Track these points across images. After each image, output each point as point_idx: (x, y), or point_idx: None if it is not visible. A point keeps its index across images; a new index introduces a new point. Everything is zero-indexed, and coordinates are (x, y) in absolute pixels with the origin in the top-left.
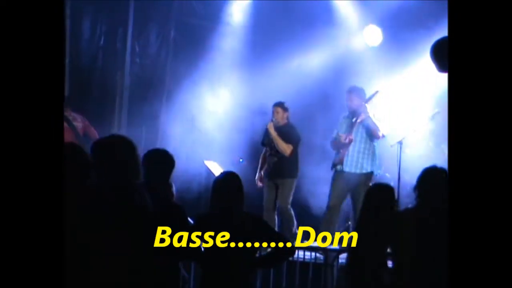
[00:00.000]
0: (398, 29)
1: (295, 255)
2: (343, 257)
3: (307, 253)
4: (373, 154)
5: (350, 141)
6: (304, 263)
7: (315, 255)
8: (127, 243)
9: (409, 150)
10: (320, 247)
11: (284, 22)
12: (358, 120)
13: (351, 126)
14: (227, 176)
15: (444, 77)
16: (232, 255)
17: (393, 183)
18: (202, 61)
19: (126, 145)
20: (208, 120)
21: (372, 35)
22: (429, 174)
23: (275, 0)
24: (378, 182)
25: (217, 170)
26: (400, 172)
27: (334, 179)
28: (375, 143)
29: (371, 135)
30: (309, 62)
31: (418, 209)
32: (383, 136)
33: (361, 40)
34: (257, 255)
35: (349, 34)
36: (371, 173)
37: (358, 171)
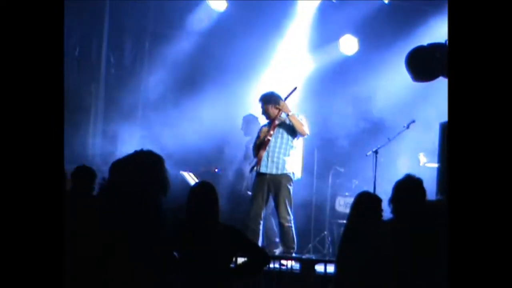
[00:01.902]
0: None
1: (271, 265)
2: (318, 266)
3: (284, 263)
4: (294, 156)
5: (268, 140)
6: (280, 273)
7: (291, 265)
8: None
9: (384, 159)
10: (296, 257)
11: (260, 32)
12: (278, 118)
13: (269, 126)
14: (203, 187)
15: (419, 85)
16: (207, 265)
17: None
18: (177, 71)
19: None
20: (184, 129)
21: (348, 45)
22: (404, 185)
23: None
24: (367, 191)
25: (192, 180)
26: (376, 181)
27: (254, 184)
28: (296, 144)
29: (296, 131)
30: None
31: (395, 223)
32: (308, 134)
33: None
34: (232, 265)
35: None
36: (292, 174)
37: (276, 172)
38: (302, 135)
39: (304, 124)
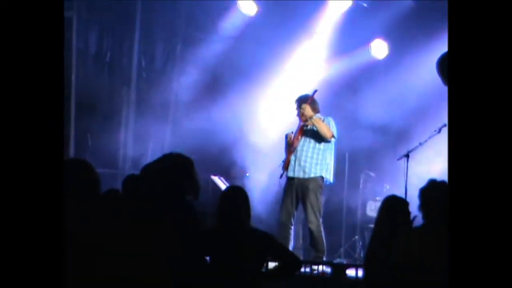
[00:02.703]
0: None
1: (303, 269)
2: (349, 271)
3: (314, 267)
4: (322, 159)
5: (293, 143)
6: (312, 277)
7: (323, 269)
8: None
9: (415, 163)
10: (327, 262)
11: (290, 35)
12: (303, 122)
13: (297, 130)
14: (234, 191)
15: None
16: (238, 270)
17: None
18: (209, 76)
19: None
20: (217, 135)
21: (379, 49)
22: (428, 191)
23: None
24: (394, 195)
25: (223, 185)
26: (407, 186)
27: (284, 189)
28: (324, 147)
29: (320, 135)
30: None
31: (424, 228)
32: (334, 137)
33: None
34: (263, 270)
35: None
36: (321, 178)
37: (304, 175)
38: (326, 138)
39: (328, 127)
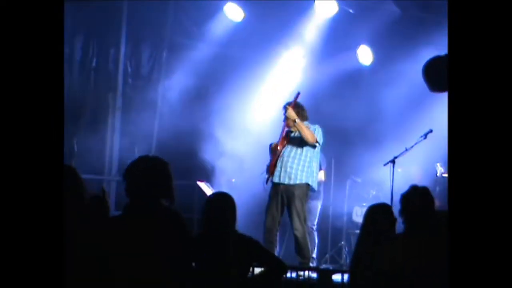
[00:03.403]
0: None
1: (289, 275)
2: (335, 276)
3: (300, 273)
4: (308, 166)
5: (276, 148)
6: (298, 283)
7: (309, 274)
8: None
9: (401, 169)
10: (313, 267)
11: (276, 41)
12: (287, 127)
13: (281, 134)
14: (219, 197)
15: (436, 96)
16: (223, 276)
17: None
18: (195, 82)
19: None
20: (201, 141)
21: (364, 55)
22: (410, 196)
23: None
24: (378, 203)
25: (209, 191)
26: (393, 191)
27: (269, 194)
28: (310, 155)
29: (304, 140)
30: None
31: (406, 234)
32: (318, 143)
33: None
34: (249, 275)
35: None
36: (306, 185)
37: (289, 181)
38: (308, 142)
39: (312, 133)
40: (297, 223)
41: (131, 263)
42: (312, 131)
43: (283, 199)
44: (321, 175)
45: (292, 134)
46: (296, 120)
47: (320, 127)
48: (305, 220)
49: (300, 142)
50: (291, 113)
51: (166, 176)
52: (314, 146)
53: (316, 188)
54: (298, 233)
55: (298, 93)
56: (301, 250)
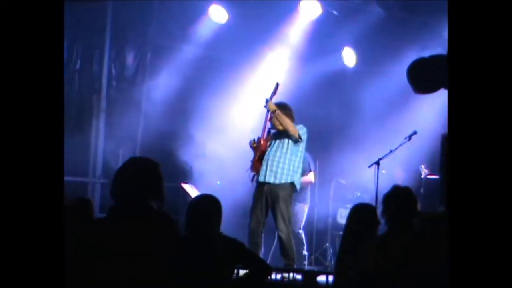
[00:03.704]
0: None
1: (273, 277)
2: (320, 277)
3: (285, 275)
4: (293, 165)
5: (256, 145)
6: (282, 284)
7: (293, 276)
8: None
9: (386, 170)
10: (298, 269)
11: (260, 43)
12: (269, 120)
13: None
14: (204, 199)
15: (420, 97)
16: (208, 277)
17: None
18: (179, 84)
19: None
20: (185, 143)
21: (348, 57)
22: (392, 196)
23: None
24: (361, 203)
25: (194, 193)
26: (378, 192)
27: (253, 195)
28: (295, 154)
29: (287, 136)
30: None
31: (388, 235)
32: (300, 138)
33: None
34: (234, 277)
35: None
36: (291, 184)
37: (274, 180)
38: (292, 134)
39: (293, 125)
40: (281, 225)
41: (121, 265)
42: (293, 124)
43: (267, 200)
44: (311, 177)
45: (275, 131)
46: (276, 111)
47: (305, 127)
48: (289, 221)
49: (284, 140)
50: (271, 105)
51: (156, 177)
52: (296, 142)
53: (299, 188)
54: (283, 235)
55: (277, 84)
56: (285, 251)
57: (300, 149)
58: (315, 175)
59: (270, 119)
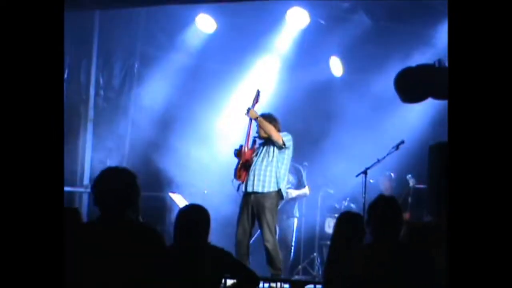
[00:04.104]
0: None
1: (261, 286)
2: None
3: (273, 284)
4: (279, 174)
5: (244, 149)
6: None
7: (281, 285)
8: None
9: (373, 180)
10: (286, 279)
11: (248, 52)
12: (250, 128)
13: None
14: (192, 208)
15: (407, 107)
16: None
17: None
18: (166, 93)
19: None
20: (173, 152)
21: (335, 66)
22: (376, 206)
23: (239, 31)
24: (348, 211)
25: (182, 202)
26: (365, 202)
27: (240, 206)
28: (281, 162)
29: (271, 141)
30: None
31: (374, 244)
32: (285, 145)
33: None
34: (221, 287)
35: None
36: (278, 192)
37: (263, 190)
38: (275, 140)
39: (275, 131)
40: (267, 235)
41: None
42: (275, 130)
43: (253, 210)
44: (307, 190)
45: (261, 141)
46: (258, 118)
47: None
48: (275, 231)
49: (269, 148)
50: (252, 112)
51: (133, 187)
52: (281, 149)
53: (285, 195)
54: (269, 245)
55: (258, 92)
56: (272, 261)
57: (286, 156)
58: (309, 188)
59: (251, 127)
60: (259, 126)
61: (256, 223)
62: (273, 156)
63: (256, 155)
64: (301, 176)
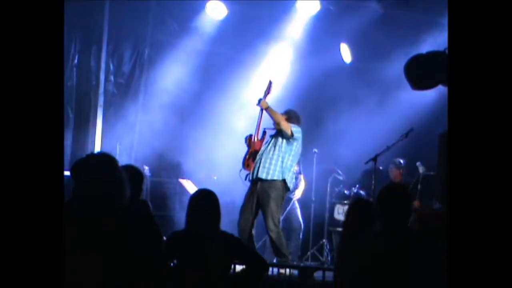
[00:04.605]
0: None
1: (270, 273)
2: (318, 274)
3: (282, 271)
4: (285, 164)
5: (254, 139)
6: (279, 280)
7: (290, 272)
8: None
9: (383, 167)
10: (295, 265)
11: (259, 38)
12: (261, 118)
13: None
14: (203, 194)
15: (418, 94)
16: (205, 273)
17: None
18: (177, 80)
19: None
20: (183, 139)
21: (344, 53)
22: (386, 193)
23: (250, 17)
24: (360, 198)
25: (192, 188)
26: (375, 189)
27: (246, 194)
28: (288, 153)
29: (281, 133)
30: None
31: (385, 231)
32: (293, 135)
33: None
34: (231, 272)
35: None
36: (283, 181)
37: (266, 177)
38: (284, 130)
39: (285, 121)
40: (271, 224)
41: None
42: (285, 120)
43: (258, 199)
44: (302, 188)
45: (273, 134)
46: (268, 108)
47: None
48: (279, 221)
49: (278, 139)
50: (263, 102)
51: (115, 171)
52: (289, 140)
53: (291, 187)
54: (273, 234)
55: (270, 82)
56: (278, 250)
57: (294, 148)
58: (305, 182)
59: (262, 118)
60: (270, 115)
61: (260, 212)
62: (281, 146)
63: (265, 145)
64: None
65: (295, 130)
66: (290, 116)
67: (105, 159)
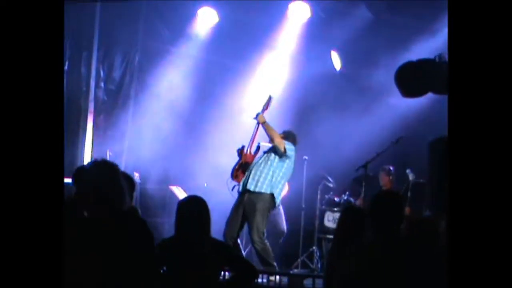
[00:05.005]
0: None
1: (260, 280)
2: (308, 282)
3: (271, 278)
4: (275, 178)
5: (245, 152)
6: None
7: (280, 279)
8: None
9: (373, 174)
10: (284, 272)
11: (249, 45)
12: (256, 132)
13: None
14: (193, 201)
15: (408, 101)
16: (194, 279)
17: None
18: (167, 87)
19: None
20: (173, 145)
21: (335, 60)
22: (379, 200)
23: (240, 24)
24: (351, 206)
25: (182, 195)
26: (365, 196)
27: (233, 205)
28: (279, 169)
29: (275, 149)
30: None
31: (376, 239)
32: (286, 152)
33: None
34: (220, 279)
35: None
36: (271, 195)
37: (254, 189)
38: (277, 145)
39: (279, 137)
40: (255, 236)
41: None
42: (280, 138)
43: (244, 211)
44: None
45: (266, 149)
46: (265, 123)
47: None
48: (263, 234)
49: (270, 155)
50: (261, 117)
51: (115, 179)
52: (281, 157)
53: (278, 203)
54: (257, 246)
55: (270, 97)
56: (264, 261)
57: (285, 165)
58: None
59: (257, 131)
60: (266, 130)
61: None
62: (273, 162)
63: (258, 159)
64: None
65: (289, 147)
66: (287, 136)
67: (107, 166)
